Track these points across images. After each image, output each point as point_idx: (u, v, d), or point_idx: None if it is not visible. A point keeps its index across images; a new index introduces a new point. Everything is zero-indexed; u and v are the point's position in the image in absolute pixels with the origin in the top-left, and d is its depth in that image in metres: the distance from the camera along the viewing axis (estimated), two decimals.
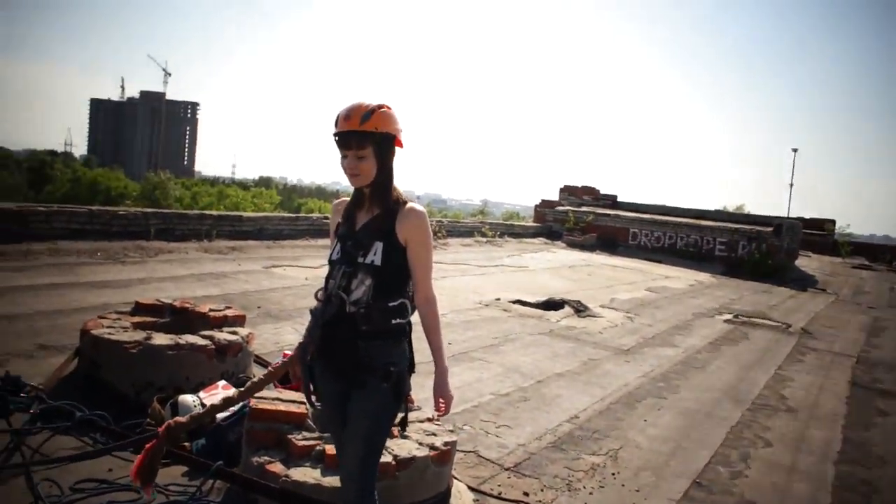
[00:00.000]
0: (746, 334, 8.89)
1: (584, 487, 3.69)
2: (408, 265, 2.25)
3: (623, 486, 3.78)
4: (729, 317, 10.16)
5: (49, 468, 2.91)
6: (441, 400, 2.26)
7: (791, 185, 41.88)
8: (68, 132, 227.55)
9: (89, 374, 4.14)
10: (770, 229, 18.08)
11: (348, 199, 2.38)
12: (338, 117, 2.19)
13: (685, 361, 6.95)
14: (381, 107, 2.19)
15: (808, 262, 19.16)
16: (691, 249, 19.20)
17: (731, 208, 39.33)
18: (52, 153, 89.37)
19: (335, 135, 2.21)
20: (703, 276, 15.72)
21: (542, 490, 3.60)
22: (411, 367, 2.32)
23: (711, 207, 25.20)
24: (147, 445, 2.46)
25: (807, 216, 24.63)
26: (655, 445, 4.47)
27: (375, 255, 2.21)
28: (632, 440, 4.51)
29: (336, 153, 2.24)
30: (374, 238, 2.22)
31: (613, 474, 3.91)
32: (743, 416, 5.28)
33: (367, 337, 2.20)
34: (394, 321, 2.22)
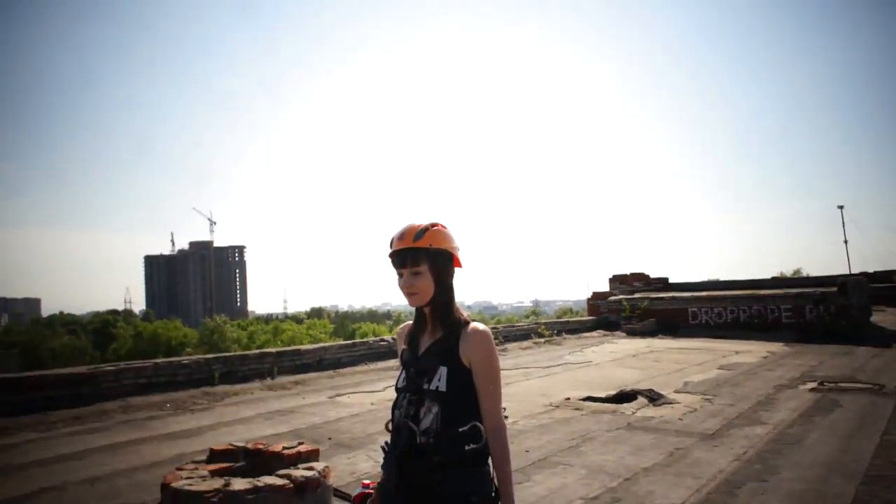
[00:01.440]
0: (837, 401, 8.38)
1: None
2: (475, 388, 2.13)
3: None
4: (813, 385, 9.64)
5: None
6: None
7: (846, 241, 40.69)
8: (127, 290, 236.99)
9: None
10: (835, 289, 17.44)
11: (412, 323, 2.33)
12: (392, 239, 2.20)
13: (778, 439, 6.55)
14: (434, 225, 2.19)
15: (884, 318, 18.27)
16: (756, 321, 18.57)
17: (788, 274, 38.29)
18: (115, 312, 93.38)
19: (390, 255, 2.20)
20: (775, 346, 15.09)
21: None
22: (497, 495, 2.14)
23: (767, 276, 24.56)
24: None
25: (870, 270, 23.74)
26: None
27: (440, 380, 2.12)
28: None
29: (386, 275, 2.23)
30: (438, 363, 2.15)
31: None
32: (858, 492, 4.87)
33: (443, 468, 2.07)
34: (467, 447, 2.09)
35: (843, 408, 7.98)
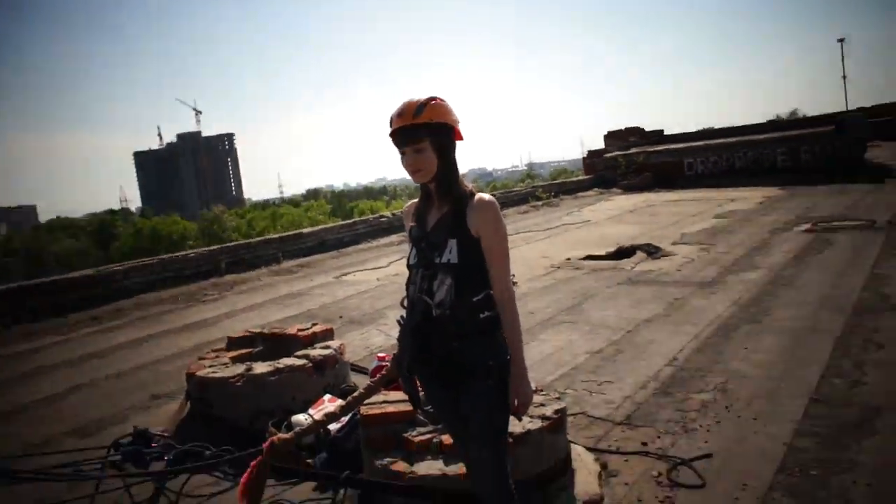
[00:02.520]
0: (829, 240, 8.58)
1: (701, 426, 3.66)
2: (484, 258, 2.16)
3: (739, 417, 3.73)
4: (807, 226, 9.83)
5: None
6: (517, 401, 2.17)
7: (844, 77, 39.95)
8: (120, 189, 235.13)
9: (204, 413, 4.33)
10: (831, 128, 17.32)
11: (417, 200, 2.34)
12: (391, 118, 2.16)
13: (772, 281, 6.78)
14: (432, 99, 2.15)
15: (880, 153, 18.21)
16: (752, 166, 18.57)
17: (784, 116, 37.83)
18: (112, 212, 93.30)
19: (391, 135, 2.17)
20: (771, 191, 15.22)
21: (658, 437, 3.59)
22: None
23: (763, 121, 24.24)
24: (252, 463, 2.43)
25: (868, 105, 23.41)
26: (762, 371, 4.38)
27: (451, 252, 2.14)
28: (737, 371, 4.44)
29: (380, 151, 2.21)
30: (447, 235, 2.16)
31: (727, 407, 3.86)
32: (847, 323, 5.13)
33: (459, 338, 2.13)
34: (482, 315, 2.13)
35: (834, 246, 8.19)
